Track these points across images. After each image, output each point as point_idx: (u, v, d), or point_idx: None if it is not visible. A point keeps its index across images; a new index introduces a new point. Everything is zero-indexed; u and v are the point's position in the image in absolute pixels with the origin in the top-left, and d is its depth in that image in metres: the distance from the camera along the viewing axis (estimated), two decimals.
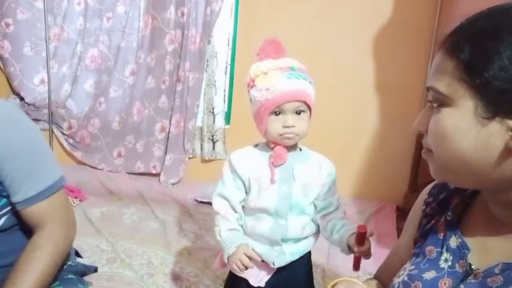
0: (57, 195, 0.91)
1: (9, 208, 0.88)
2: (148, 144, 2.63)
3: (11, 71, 2.57)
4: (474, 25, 0.50)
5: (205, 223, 1.99)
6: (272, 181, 0.94)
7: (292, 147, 0.97)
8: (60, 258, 0.92)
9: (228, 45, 2.55)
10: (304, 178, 0.96)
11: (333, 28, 2.44)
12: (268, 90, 0.90)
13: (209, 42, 2.51)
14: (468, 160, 0.50)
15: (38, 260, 0.85)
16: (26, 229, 0.92)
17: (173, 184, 2.53)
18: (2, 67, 2.61)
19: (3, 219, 0.87)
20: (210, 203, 2.16)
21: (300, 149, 1.01)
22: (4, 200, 0.86)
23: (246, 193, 0.96)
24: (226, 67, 2.57)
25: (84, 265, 1.05)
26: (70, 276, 0.97)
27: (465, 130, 0.49)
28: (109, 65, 2.57)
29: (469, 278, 0.55)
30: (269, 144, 0.97)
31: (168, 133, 2.59)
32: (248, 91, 0.98)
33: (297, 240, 0.98)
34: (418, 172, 2.31)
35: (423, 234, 0.66)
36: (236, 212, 0.96)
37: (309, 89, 0.94)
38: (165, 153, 2.60)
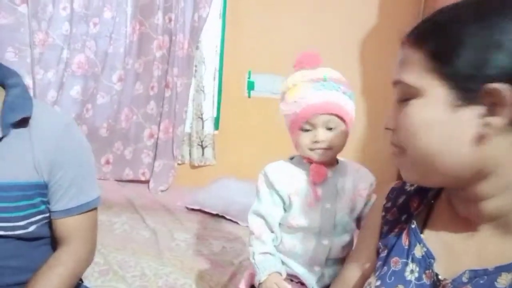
0: (91, 213, 0.92)
1: (44, 215, 0.89)
2: (136, 151, 2.61)
3: None
4: (438, 16, 0.51)
5: (196, 231, 2.00)
6: (316, 200, 0.88)
7: (330, 162, 0.91)
8: (77, 279, 0.92)
9: (216, 51, 2.55)
10: (348, 192, 0.91)
11: (320, 33, 2.47)
12: (295, 103, 0.86)
13: (197, 48, 2.51)
14: (441, 152, 0.49)
15: (57, 276, 0.85)
16: (47, 248, 0.92)
17: (162, 191, 2.53)
18: None
19: (34, 226, 0.87)
20: (200, 210, 2.20)
21: (337, 161, 0.95)
22: (44, 206, 0.87)
23: (285, 210, 0.92)
24: (215, 73, 2.58)
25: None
26: None
27: (437, 120, 0.49)
28: (96, 71, 2.54)
29: None
30: (303, 159, 0.93)
31: (157, 139, 2.59)
32: (280, 106, 0.93)
33: (336, 261, 0.92)
34: None
35: (386, 244, 0.63)
36: (272, 232, 0.91)
37: (343, 101, 0.87)
38: (154, 159, 2.59)
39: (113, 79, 2.55)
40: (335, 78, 0.89)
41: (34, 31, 2.48)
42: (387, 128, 0.57)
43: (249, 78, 2.54)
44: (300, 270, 0.91)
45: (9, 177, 0.82)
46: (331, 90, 0.86)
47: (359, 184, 0.93)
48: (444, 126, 0.48)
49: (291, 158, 0.97)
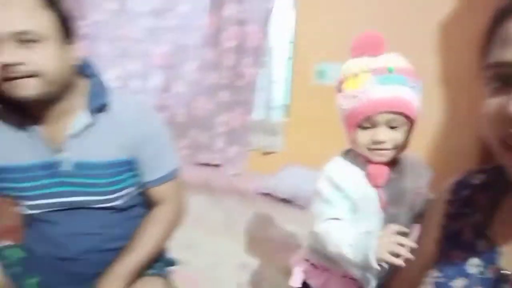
0: (176, 180, 1.06)
1: (136, 187, 1.02)
2: (211, 137, 2.76)
3: None
4: None
5: (267, 215, 2.09)
6: (384, 207, 0.80)
7: (391, 161, 0.81)
8: (171, 234, 1.06)
9: (287, 40, 2.58)
10: (409, 193, 0.83)
11: (396, 17, 2.37)
12: (355, 98, 0.76)
13: (268, 38, 2.56)
14: None
15: (157, 230, 1.01)
16: (140, 214, 1.05)
17: (235, 175, 2.65)
18: None
19: (127, 197, 1.01)
20: (270, 195, 2.28)
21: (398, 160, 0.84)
22: (135, 179, 1.01)
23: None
24: (285, 62, 2.61)
25: (169, 258, 1.18)
26: (158, 263, 1.09)
27: None
28: (174, 62, 2.71)
29: (503, 284, 0.52)
30: (360, 157, 0.83)
31: (230, 126, 2.70)
32: (336, 97, 0.83)
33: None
34: None
35: (448, 237, 0.61)
36: None
37: (409, 97, 0.76)
38: (227, 145, 2.72)
39: (189, 69, 2.71)
40: (402, 68, 0.77)
41: (120, 26, 2.71)
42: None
43: (319, 66, 2.54)
44: (357, 274, 0.84)
45: (102, 157, 0.94)
46: (397, 85, 0.74)
47: (418, 181, 0.85)
48: None
49: (346, 153, 0.86)
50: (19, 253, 1.03)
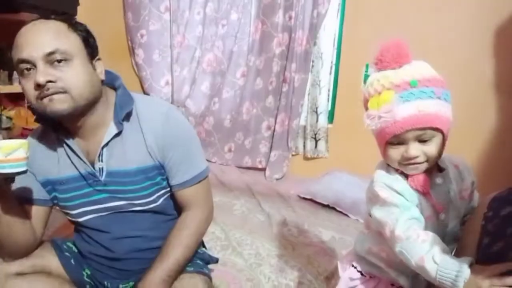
0: (204, 182, 1.09)
1: (167, 190, 1.08)
2: (255, 141, 2.83)
3: (143, 75, 3.00)
4: None
5: (307, 219, 2.11)
6: (438, 212, 0.79)
7: (435, 167, 0.81)
8: (201, 237, 1.11)
9: (334, 45, 2.59)
10: (456, 197, 0.82)
11: (448, 22, 2.31)
12: (380, 119, 0.75)
13: (315, 44, 2.59)
14: None
15: (185, 236, 1.04)
16: (174, 216, 1.11)
17: (277, 179, 2.70)
18: (136, 72, 3.05)
19: (161, 200, 1.07)
20: (312, 200, 2.30)
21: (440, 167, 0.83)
22: (165, 182, 1.06)
23: None
24: (331, 67, 2.62)
25: (209, 255, 1.23)
26: (198, 261, 1.16)
27: None
28: (223, 68, 2.82)
29: None
30: (396, 170, 0.82)
31: (274, 131, 2.76)
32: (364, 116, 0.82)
33: None
34: None
35: (490, 257, 0.59)
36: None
37: (437, 109, 0.74)
38: (270, 149, 2.77)
39: (237, 75, 2.81)
40: (426, 79, 0.75)
41: (174, 34, 2.87)
42: None
43: (366, 71, 2.52)
44: (406, 283, 0.84)
45: (132, 164, 1.00)
46: (422, 99, 0.73)
47: (462, 184, 0.84)
48: None
49: (383, 164, 0.85)
50: (74, 248, 1.14)
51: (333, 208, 2.23)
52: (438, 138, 0.77)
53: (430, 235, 0.73)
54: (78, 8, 2.69)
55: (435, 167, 0.83)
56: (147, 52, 2.95)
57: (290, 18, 2.58)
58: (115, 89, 1.03)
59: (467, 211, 0.86)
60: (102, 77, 0.97)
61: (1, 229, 0.95)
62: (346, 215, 2.17)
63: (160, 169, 1.03)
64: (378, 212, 0.82)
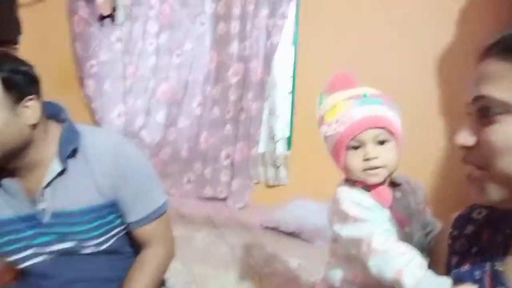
0: (162, 218, 1.02)
1: (121, 228, 1.00)
2: (215, 171, 2.77)
3: (94, 107, 2.88)
4: None
5: (272, 249, 2.06)
6: (403, 225, 0.81)
7: (388, 182, 0.84)
8: (162, 275, 1.04)
9: (289, 74, 2.66)
10: (415, 209, 0.85)
11: (395, 52, 2.45)
12: (338, 122, 0.80)
13: (269, 73, 2.64)
14: None
15: (145, 275, 0.97)
16: (130, 254, 1.04)
17: (239, 208, 2.64)
18: (87, 103, 2.92)
19: (114, 239, 1.00)
20: (276, 228, 2.26)
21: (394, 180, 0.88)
22: (119, 220, 0.99)
23: None
24: (287, 96, 2.67)
25: None
26: None
27: None
28: (178, 98, 2.78)
29: None
30: (356, 184, 0.84)
31: (233, 159, 2.72)
32: (320, 130, 0.86)
33: None
34: None
35: (460, 278, 0.58)
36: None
37: (389, 114, 0.81)
38: (232, 178, 2.72)
39: (193, 104, 2.77)
40: (376, 93, 0.83)
41: (126, 64, 2.80)
42: (462, 147, 0.54)
43: (320, 99, 2.59)
44: None
45: (79, 203, 0.92)
46: (374, 104, 0.80)
47: (416, 198, 0.87)
48: None
49: (345, 182, 0.86)
50: None
51: (297, 236, 2.21)
52: (393, 144, 0.81)
53: (409, 248, 0.72)
54: (21, 37, 2.55)
55: (390, 182, 0.86)
56: (97, 83, 2.85)
57: (245, 48, 2.62)
58: (60, 121, 0.95)
59: (424, 225, 0.89)
60: (33, 120, 0.86)
61: None
62: (311, 242, 2.15)
63: (112, 207, 0.96)
64: (349, 231, 0.80)
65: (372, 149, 0.78)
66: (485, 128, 0.50)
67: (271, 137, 2.70)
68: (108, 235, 0.98)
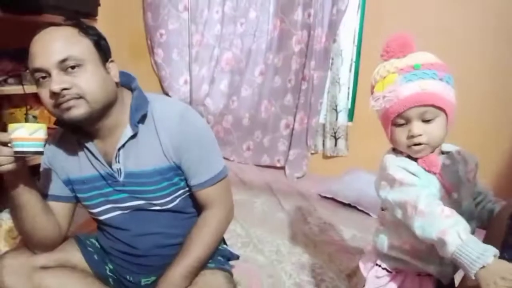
0: (223, 181, 1.08)
1: (185, 190, 1.08)
2: (273, 139, 2.81)
3: (163, 75, 3.03)
4: None
5: (328, 218, 2.08)
6: (449, 192, 0.81)
7: (440, 151, 0.85)
8: (221, 235, 1.11)
9: (354, 43, 2.56)
10: (464, 178, 0.85)
11: (470, 14, 2.25)
12: (384, 98, 0.80)
13: (334, 41, 2.56)
14: None
15: (205, 234, 1.05)
16: (195, 219, 1.11)
17: (297, 178, 2.68)
18: (156, 71, 3.08)
19: (179, 200, 1.08)
20: (332, 199, 2.27)
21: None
22: (183, 183, 1.07)
23: None
24: (351, 65, 2.59)
25: (230, 252, 1.23)
26: (219, 258, 1.16)
27: None
28: (241, 66, 2.82)
29: None
30: (403, 154, 0.86)
31: (292, 129, 2.74)
32: (370, 101, 0.88)
33: None
34: None
35: None
36: None
37: (440, 89, 0.78)
38: (289, 148, 2.75)
39: (255, 73, 2.80)
40: (430, 63, 0.79)
41: (192, 33, 2.89)
42: None
43: None
44: (434, 270, 0.85)
45: (147, 165, 1.00)
46: (424, 79, 0.77)
47: (467, 167, 0.86)
48: None
49: (393, 150, 0.88)
50: (97, 244, 1.16)
51: (354, 207, 2.20)
52: (441, 119, 0.79)
53: (454, 212, 0.72)
54: (98, 8, 2.73)
55: (439, 151, 0.87)
56: (166, 52, 2.98)
57: (309, 15, 2.55)
58: (131, 90, 1.04)
59: (475, 195, 0.88)
60: (116, 79, 0.98)
61: (26, 219, 0.97)
62: (367, 214, 2.14)
63: (177, 170, 1.03)
64: (395, 195, 0.81)
65: (417, 127, 0.78)
66: None
67: (333, 108, 2.65)
68: (173, 196, 1.05)
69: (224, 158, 2.93)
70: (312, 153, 2.77)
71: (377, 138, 2.64)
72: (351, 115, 2.67)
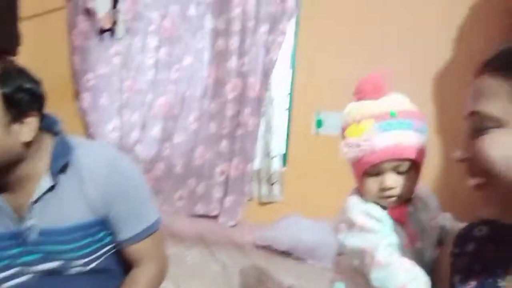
0: (154, 236, 0.97)
1: (111, 246, 0.95)
2: (208, 187, 2.71)
3: (89, 120, 2.84)
4: None
5: (265, 267, 1.98)
6: (413, 241, 0.76)
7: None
8: None
9: (286, 91, 2.65)
10: (427, 225, 0.80)
11: (392, 70, 2.45)
12: (358, 147, 0.74)
13: (267, 89, 2.62)
14: None
15: None
16: (121, 278, 0.98)
17: (231, 226, 2.57)
18: (81, 117, 2.89)
19: (103, 258, 0.94)
20: (268, 247, 2.19)
21: None
22: (109, 238, 0.94)
23: None
24: (284, 112, 2.65)
25: None
26: None
27: None
28: (175, 112, 2.76)
29: None
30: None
31: (227, 176, 2.67)
32: (340, 146, 0.81)
33: None
34: None
35: None
36: None
37: (414, 141, 0.74)
38: (225, 195, 2.66)
39: (189, 119, 2.75)
40: (405, 111, 0.75)
41: (124, 78, 2.79)
42: (461, 160, 0.55)
43: (317, 116, 2.58)
44: None
45: (68, 220, 0.88)
46: (400, 129, 0.73)
47: (429, 212, 0.82)
48: None
49: (357, 192, 0.84)
50: None
51: (290, 254, 2.14)
52: (414, 171, 0.76)
53: (414, 265, 0.69)
54: (20, 48, 2.55)
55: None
56: (94, 96, 2.83)
57: (243, 64, 2.61)
58: (53, 134, 0.92)
59: (439, 236, 0.83)
60: (28, 138, 0.84)
61: None
62: (304, 260, 2.08)
63: (103, 224, 0.91)
64: (353, 240, 0.76)
65: (390, 179, 0.74)
66: (479, 141, 0.51)
67: (267, 154, 2.65)
68: (97, 254, 0.93)
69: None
70: (248, 200, 2.70)
71: (311, 182, 2.68)
72: (284, 160, 2.69)
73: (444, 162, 2.38)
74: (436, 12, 2.38)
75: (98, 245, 0.93)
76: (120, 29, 2.74)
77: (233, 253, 2.16)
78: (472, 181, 0.54)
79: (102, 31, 2.78)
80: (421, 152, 0.75)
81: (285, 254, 2.15)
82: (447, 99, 2.37)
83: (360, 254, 0.74)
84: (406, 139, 0.73)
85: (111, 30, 2.75)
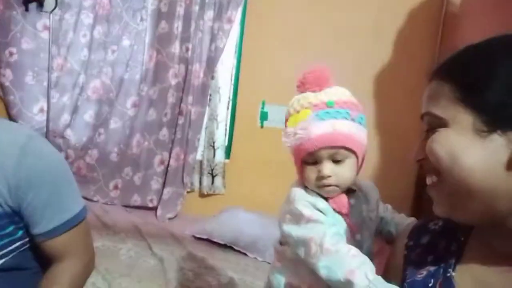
0: (78, 228, 0.86)
1: (23, 241, 0.83)
2: (146, 177, 2.59)
3: (11, 99, 2.55)
4: (468, 51, 0.55)
5: (203, 261, 1.93)
6: (354, 232, 0.78)
7: (348, 189, 0.81)
8: None
9: (231, 81, 2.59)
10: (367, 217, 0.82)
11: (334, 67, 2.50)
12: (296, 136, 0.75)
13: (212, 77, 2.54)
14: (476, 180, 0.49)
15: None
16: (35, 270, 0.87)
17: (170, 218, 2.48)
18: (1, 95, 2.58)
19: (13, 254, 0.82)
20: (208, 240, 2.13)
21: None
22: (21, 232, 0.82)
23: None
24: (228, 102, 2.59)
25: None
26: None
27: (466, 146, 0.50)
28: (111, 96, 2.57)
29: None
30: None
31: (167, 166, 2.56)
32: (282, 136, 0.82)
33: None
34: (420, 213, 2.30)
35: (414, 285, 0.60)
36: None
37: (352, 130, 0.75)
38: (163, 186, 2.56)
39: (127, 104, 2.58)
40: (343, 101, 0.77)
41: (53, 56, 2.54)
42: (418, 160, 0.58)
43: (262, 108, 2.55)
44: None
45: None
46: (337, 118, 0.75)
47: (369, 206, 0.84)
48: (475, 152, 0.49)
49: (300, 184, 0.84)
50: None
51: (231, 247, 2.10)
52: (351, 160, 0.77)
53: (359, 252, 0.70)
54: None
55: (347, 190, 0.84)
56: (17, 74, 2.54)
57: (187, 49, 2.50)
58: None
59: (377, 227, 0.86)
60: None
61: None
62: (244, 254, 2.06)
63: (13, 217, 0.79)
64: (300, 231, 0.76)
65: (326, 168, 0.75)
66: (428, 140, 0.55)
67: (210, 145, 2.58)
68: (6, 250, 0.80)
69: (86, 198, 2.58)
70: (188, 192, 2.62)
71: (254, 176, 2.66)
72: (228, 152, 2.64)
73: (379, 159, 2.50)
74: (375, 15, 2.47)
75: (7, 240, 0.80)
76: (49, 1, 2.47)
77: (171, 246, 2.07)
78: (427, 180, 0.56)
79: (28, 1, 2.49)
80: (358, 141, 0.77)
81: (226, 247, 2.11)
82: (383, 99, 2.47)
83: (307, 244, 0.73)
84: (342, 127, 0.75)
85: (38, 1, 2.47)
